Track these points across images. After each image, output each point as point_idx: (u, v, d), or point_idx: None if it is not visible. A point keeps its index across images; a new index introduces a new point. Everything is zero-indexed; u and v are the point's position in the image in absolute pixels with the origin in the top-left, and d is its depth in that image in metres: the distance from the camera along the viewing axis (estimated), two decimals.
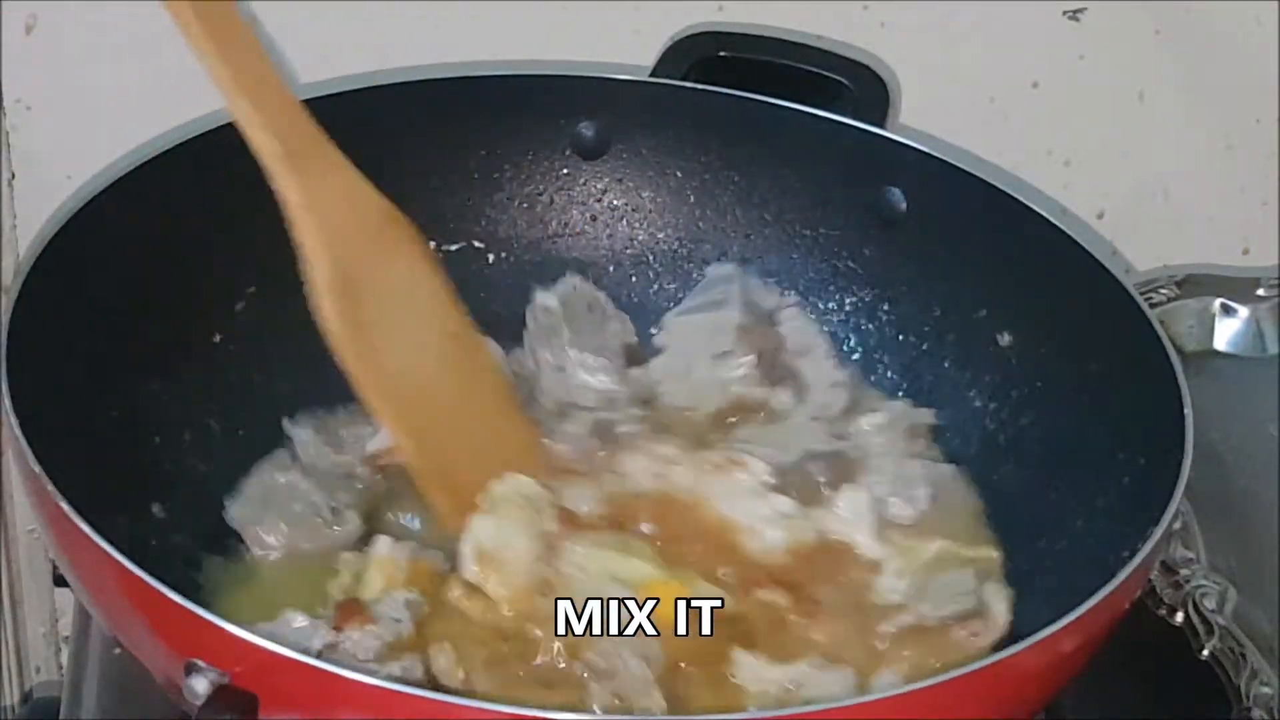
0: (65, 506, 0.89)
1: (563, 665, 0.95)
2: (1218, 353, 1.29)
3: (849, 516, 1.07)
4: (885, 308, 1.21)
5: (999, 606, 1.03)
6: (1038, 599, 1.03)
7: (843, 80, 1.23)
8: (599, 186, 1.24)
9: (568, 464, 1.07)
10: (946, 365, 1.19)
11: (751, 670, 0.98)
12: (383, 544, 1.01)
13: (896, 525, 1.08)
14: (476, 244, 1.22)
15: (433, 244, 1.20)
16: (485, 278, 1.22)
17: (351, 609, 0.97)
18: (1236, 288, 1.30)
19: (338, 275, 0.97)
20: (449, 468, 1.03)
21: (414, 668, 0.95)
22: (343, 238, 0.97)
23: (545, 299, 1.18)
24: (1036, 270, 1.14)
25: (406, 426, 1.02)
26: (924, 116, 1.31)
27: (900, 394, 1.19)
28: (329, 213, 0.97)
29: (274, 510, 1.05)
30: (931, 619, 1.02)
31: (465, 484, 1.02)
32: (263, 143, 0.95)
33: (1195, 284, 1.31)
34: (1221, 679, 1.04)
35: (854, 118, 1.20)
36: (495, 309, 1.22)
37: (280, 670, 0.83)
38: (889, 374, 1.21)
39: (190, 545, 1.04)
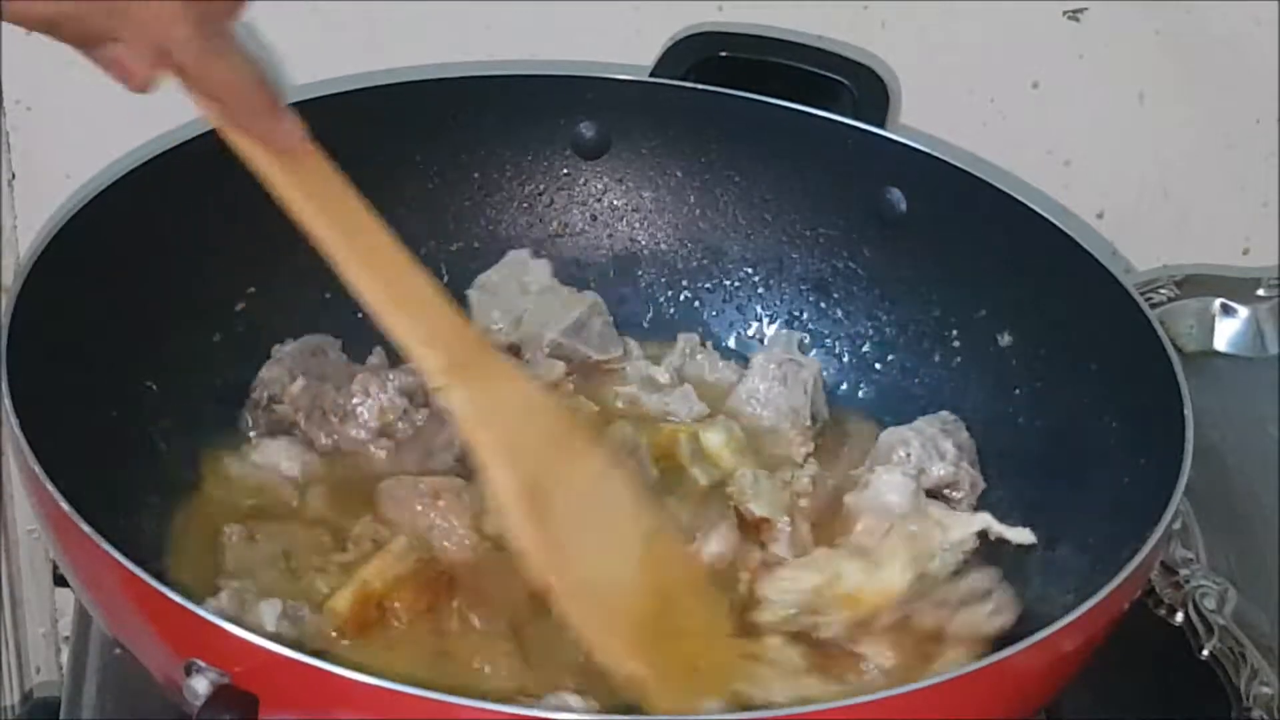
0: (65, 506, 0.89)
1: None
2: (1218, 353, 1.29)
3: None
4: (885, 307, 1.21)
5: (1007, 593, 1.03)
6: (1038, 598, 1.03)
7: (843, 80, 1.23)
8: (599, 186, 1.24)
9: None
10: (946, 365, 1.19)
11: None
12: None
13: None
14: (476, 244, 1.22)
15: (432, 244, 1.21)
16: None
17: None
18: (1236, 288, 1.30)
19: (521, 484, 0.90)
20: (642, 648, 0.94)
21: None
22: (522, 446, 0.91)
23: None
24: (1036, 270, 1.14)
25: (600, 623, 0.93)
26: (924, 116, 1.31)
27: (900, 394, 1.19)
28: (504, 422, 0.91)
29: None
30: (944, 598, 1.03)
31: (658, 661, 0.94)
32: (426, 357, 0.90)
33: (1195, 284, 1.31)
34: (1221, 679, 1.04)
35: (854, 118, 1.20)
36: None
37: (280, 670, 0.83)
38: (888, 374, 1.21)
39: None
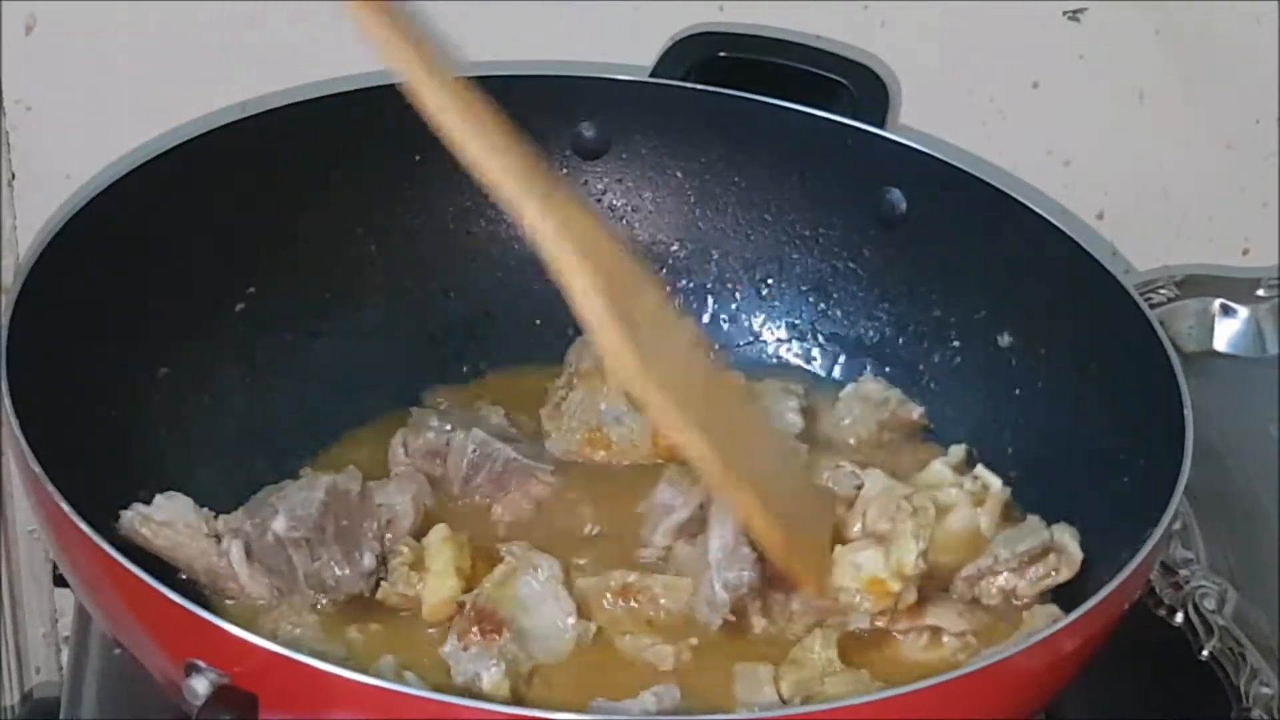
0: (65, 507, 0.89)
1: None
2: (1218, 353, 1.29)
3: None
4: (885, 307, 1.21)
5: (1073, 545, 1.04)
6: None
7: (842, 80, 1.23)
8: (599, 186, 1.24)
9: None
10: (946, 365, 1.19)
11: None
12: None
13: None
14: (476, 244, 1.22)
15: (432, 244, 1.21)
16: (485, 278, 1.22)
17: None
18: (1236, 288, 1.30)
19: (612, 297, 0.92)
20: (759, 484, 0.97)
21: None
22: (601, 255, 0.93)
23: None
24: (1036, 270, 1.14)
25: (704, 434, 0.95)
26: (924, 116, 1.31)
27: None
28: (582, 234, 0.93)
29: None
30: (1009, 559, 1.04)
31: (778, 501, 0.98)
32: (514, 192, 0.92)
33: (1195, 284, 1.31)
34: (1221, 679, 1.04)
35: (854, 118, 1.20)
36: (495, 310, 1.22)
37: (280, 670, 0.83)
38: (889, 374, 1.21)
39: None
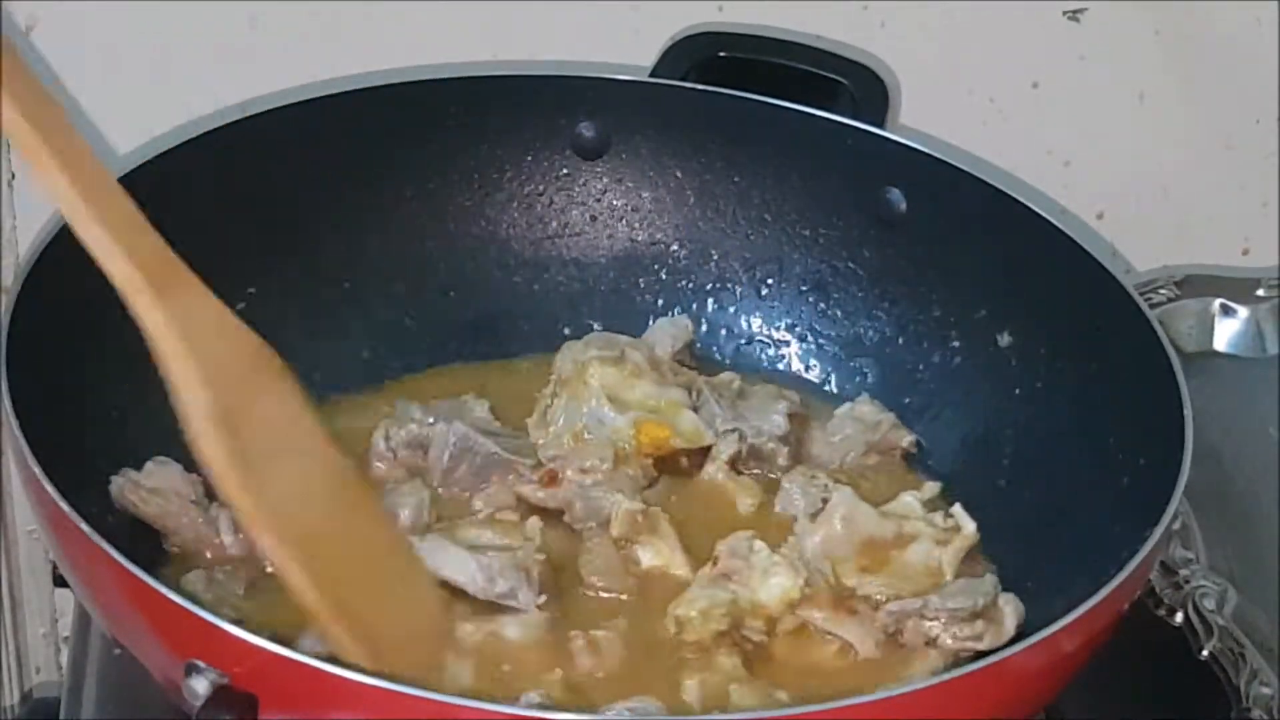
0: (65, 507, 0.89)
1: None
2: (1218, 353, 1.29)
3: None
4: (885, 307, 1.21)
5: (1010, 619, 1.02)
6: (1037, 599, 1.03)
7: (842, 80, 1.22)
8: (599, 186, 1.24)
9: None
10: (946, 365, 1.19)
11: None
12: None
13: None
14: (476, 244, 1.22)
15: (432, 243, 1.21)
16: (485, 278, 1.22)
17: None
18: (1236, 288, 1.30)
19: (217, 406, 0.89)
20: (348, 603, 0.93)
21: None
22: (217, 368, 0.90)
23: None
24: (1036, 270, 1.14)
25: (300, 561, 0.92)
26: (924, 116, 1.31)
27: (900, 394, 1.19)
28: (201, 343, 0.90)
29: None
30: (938, 609, 1.02)
31: (368, 621, 0.94)
32: (123, 272, 0.88)
33: (1195, 284, 1.31)
34: (1221, 679, 1.04)
35: (853, 118, 1.20)
36: (494, 310, 1.22)
37: (280, 670, 0.83)
38: (888, 375, 1.21)
39: None
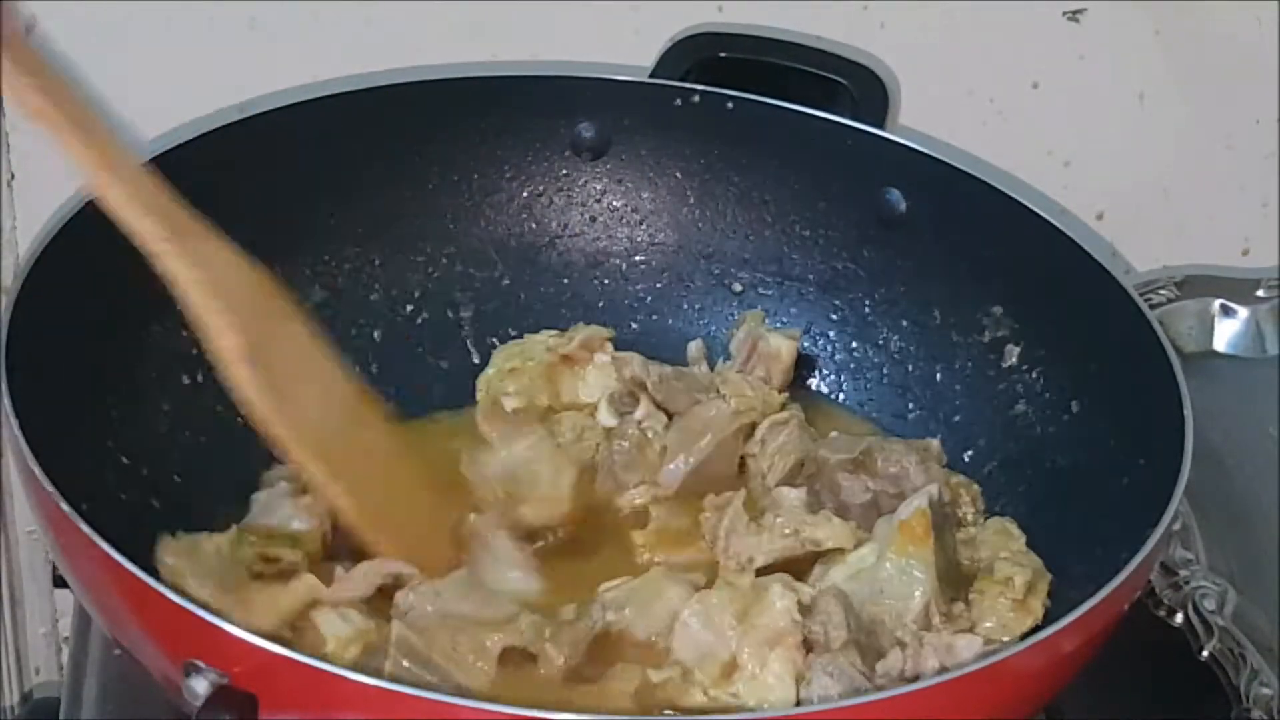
0: (65, 507, 0.89)
1: None
2: (1218, 354, 1.29)
3: None
4: (885, 308, 1.21)
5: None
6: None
7: (842, 81, 1.23)
8: (599, 187, 1.24)
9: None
10: (946, 366, 1.19)
11: None
12: None
13: None
14: (476, 244, 1.22)
15: (432, 244, 1.21)
16: (485, 278, 1.22)
17: None
18: (1236, 288, 1.30)
19: (246, 344, 0.96)
20: (387, 515, 1.03)
21: None
22: (241, 311, 0.96)
23: None
24: (1036, 270, 1.14)
25: (340, 480, 1.01)
26: (924, 116, 1.31)
27: (898, 394, 1.19)
28: (225, 290, 0.96)
29: None
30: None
31: (405, 529, 1.04)
32: (146, 227, 0.93)
33: (1195, 285, 1.31)
34: (1221, 679, 1.04)
35: (853, 118, 1.20)
36: (494, 310, 1.22)
37: (280, 670, 0.83)
38: (887, 375, 1.21)
39: None
